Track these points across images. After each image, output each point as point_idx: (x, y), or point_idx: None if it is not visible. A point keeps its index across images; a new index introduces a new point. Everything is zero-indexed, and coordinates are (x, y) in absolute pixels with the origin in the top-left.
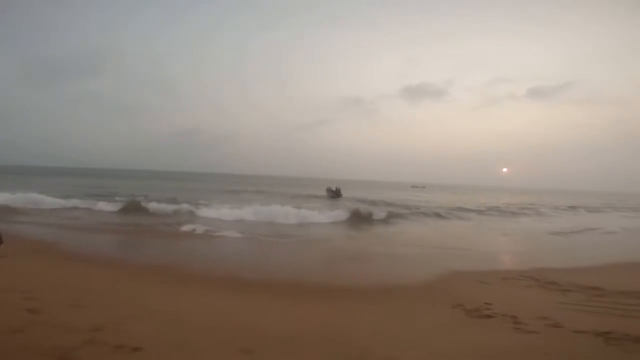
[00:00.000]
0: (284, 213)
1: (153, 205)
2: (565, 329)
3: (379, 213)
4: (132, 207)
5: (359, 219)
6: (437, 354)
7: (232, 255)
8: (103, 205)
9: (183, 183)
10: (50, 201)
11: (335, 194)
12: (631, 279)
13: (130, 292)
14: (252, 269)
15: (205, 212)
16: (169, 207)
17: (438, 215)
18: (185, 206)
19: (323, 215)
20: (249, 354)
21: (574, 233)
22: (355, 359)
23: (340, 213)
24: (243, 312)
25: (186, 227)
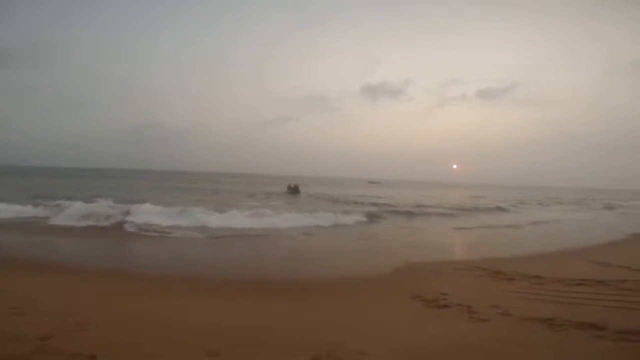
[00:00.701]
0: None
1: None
2: (513, 317)
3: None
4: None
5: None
6: (403, 345)
7: (190, 256)
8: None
9: (131, 181)
10: None
11: (293, 190)
12: (568, 267)
13: (81, 298)
14: (213, 268)
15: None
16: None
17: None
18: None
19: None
20: (215, 355)
21: (516, 226)
22: (326, 355)
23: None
24: (207, 313)
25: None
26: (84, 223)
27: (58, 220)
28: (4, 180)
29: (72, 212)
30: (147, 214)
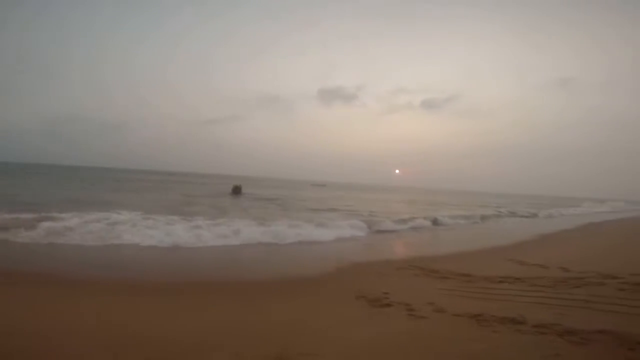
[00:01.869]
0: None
1: None
2: (447, 313)
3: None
4: None
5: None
6: (350, 345)
7: (118, 259)
8: None
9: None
10: None
11: (235, 191)
12: (491, 266)
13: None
14: (146, 272)
15: None
16: None
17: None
18: None
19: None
20: None
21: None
22: (274, 358)
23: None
24: (144, 320)
25: None
26: None
27: None
28: None
29: None
30: None
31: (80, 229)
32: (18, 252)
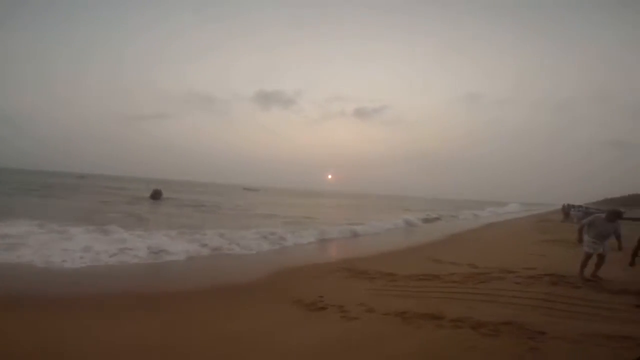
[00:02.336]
0: None
1: None
2: (376, 313)
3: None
4: None
5: None
6: (287, 351)
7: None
8: None
9: None
10: None
11: (154, 196)
12: (412, 264)
13: None
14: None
15: None
16: None
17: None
18: None
19: None
20: None
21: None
22: None
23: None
24: (63, 333)
25: None
26: None
27: None
28: None
29: None
30: None
31: None
32: None
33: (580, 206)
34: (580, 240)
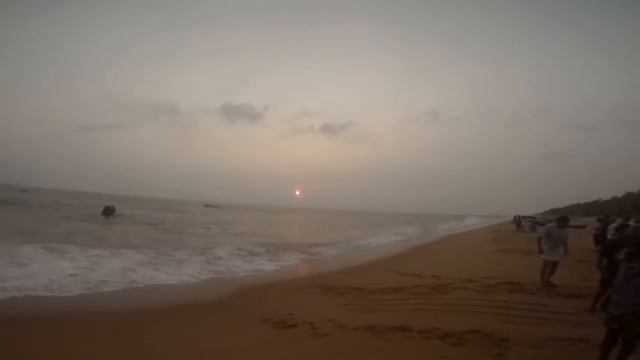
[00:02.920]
0: None
1: None
2: (346, 328)
3: None
4: None
5: None
6: None
7: None
8: None
9: None
10: None
11: (106, 212)
12: (378, 278)
13: None
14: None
15: None
16: None
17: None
18: None
19: None
20: None
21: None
22: None
23: None
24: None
25: None
26: None
27: None
28: None
29: None
30: None
31: None
32: None
33: (530, 216)
34: (541, 252)
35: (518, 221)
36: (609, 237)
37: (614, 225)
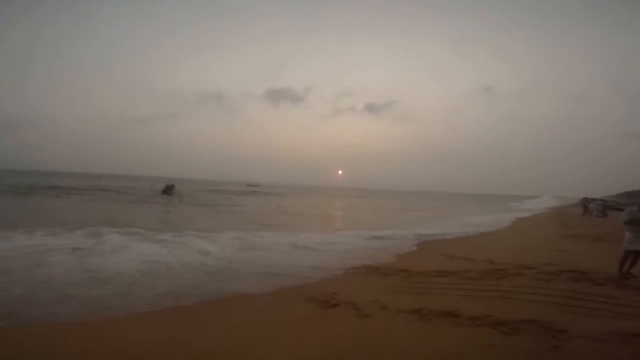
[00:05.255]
0: None
1: None
2: (390, 310)
3: None
4: None
5: None
6: (302, 350)
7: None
8: None
9: None
10: None
11: (168, 190)
12: (426, 261)
13: None
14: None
15: None
16: None
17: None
18: None
19: None
20: None
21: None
22: None
23: None
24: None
25: None
26: None
27: None
28: None
29: None
30: None
31: None
32: None
33: (599, 199)
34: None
35: (586, 204)
36: None
37: None
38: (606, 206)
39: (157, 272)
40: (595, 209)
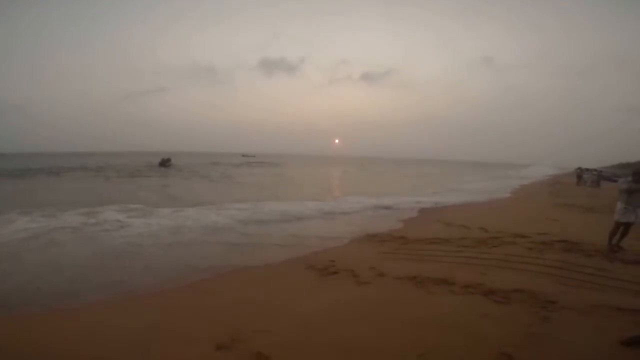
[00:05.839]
0: None
1: None
2: (388, 277)
3: None
4: None
5: None
6: (302, 317)
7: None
8: None
9: None
10: None
11: (164, 163)
12: (423, 228)
13: None
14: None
15: None
16: None
17: None
18: None
19: None
20: None
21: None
22: (230, 339)
23: None
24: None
25: None
26: None
27: None
28: None
29: None
30: None
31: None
32: None
33: (594, 169)
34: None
35: (580, 174)
36: None
37: None
38: (600, 176)
39: (163, 248)
40: (589, 179)
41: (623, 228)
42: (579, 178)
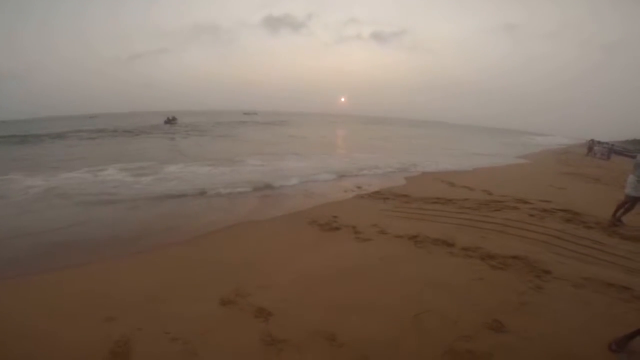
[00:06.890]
0: None
1: None
2: (389, 235)
3: None
4: None
5: None
6: (304, 272)
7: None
8: None
9: None
10: None
11: (170, 121)
12: (426, 187)
13: None
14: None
15: None
16: None
17: None
18: None
19: None
20: (111, 320)
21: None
22: (234, 294)
23: None
24: (91, 279)
25: None
26: None
27: None
28: None
29: None
30: None
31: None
32: None
33: (606, 143)
34: None
35: (591, 145)
36: None
37: None
38: (611, 150)
39: (175, 203)
40: (599, 151)
41: (631, 203)
42: (590, 149)
